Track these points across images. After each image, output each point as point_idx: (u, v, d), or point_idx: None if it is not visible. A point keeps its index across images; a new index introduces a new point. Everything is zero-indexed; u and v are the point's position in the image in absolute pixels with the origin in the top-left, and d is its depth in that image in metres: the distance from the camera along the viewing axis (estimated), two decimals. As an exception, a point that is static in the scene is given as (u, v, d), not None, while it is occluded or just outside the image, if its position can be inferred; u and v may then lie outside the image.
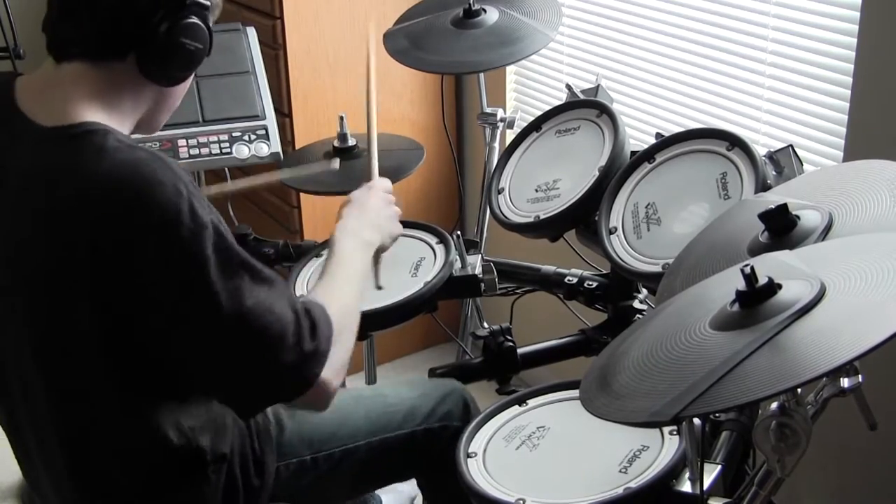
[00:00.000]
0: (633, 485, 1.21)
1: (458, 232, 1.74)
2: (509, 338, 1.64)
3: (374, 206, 1.55)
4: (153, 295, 1.14)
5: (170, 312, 1.15)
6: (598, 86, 1.88)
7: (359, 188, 1.59)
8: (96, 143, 1.14)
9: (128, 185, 1.12)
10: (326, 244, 1.81)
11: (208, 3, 1.25)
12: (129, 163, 1.13)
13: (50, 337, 1.22)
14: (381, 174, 1.65)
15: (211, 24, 1.27)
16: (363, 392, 1.64)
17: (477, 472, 1.31)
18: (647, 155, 1.64)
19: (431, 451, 1.57)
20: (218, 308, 1.15)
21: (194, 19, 1.23)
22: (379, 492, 1.99)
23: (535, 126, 1.87)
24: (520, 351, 1.64)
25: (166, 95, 1.29)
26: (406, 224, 1.80)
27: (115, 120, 1.21)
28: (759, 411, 1.05)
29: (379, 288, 1.57)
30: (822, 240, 1.16)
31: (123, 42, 1.20)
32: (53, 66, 1.23)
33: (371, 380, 2.19)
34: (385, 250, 1.56)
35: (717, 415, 1.34)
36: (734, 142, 1.54)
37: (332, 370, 1.24)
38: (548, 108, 1.89)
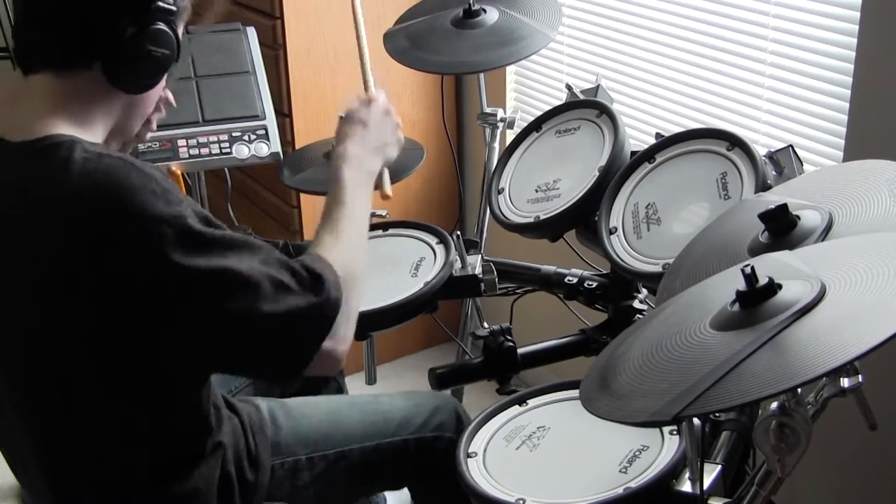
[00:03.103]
0: (633, 485, 1.21)
1: (458, 232, 1.74)
2: (509, 338, 1.64)
3: (375, 123, 1.51)
4: (142, 296, 1.13)
5: (165, 309, 1.14)
6: (598, 86, 1.88)
7: (354, 102, 1.55)
8: (63, 155, 1.13)
9: (102, 194, 1.11)
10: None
11: (174, 7, 1.22)
12: (99, 171, 1.12)
13: (26, 348, 1.21)
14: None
15: (179, 29, 1.25)
16: (359, 398, 1.66)
17: (477, 471, 1.31)
18: (647, 155, 1.64)
19: (424, 461, 1.58)
20: (216, 292, 1.14)
21: (160, 25, 1.21)
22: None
23: (535, 126, 1.87)
24: (520, 351, 1.64)
25: (137, 102, 1.27)
26: (406, 224, 1.81)
27: (85, 130, 1.20)
28: (760, 411, 1.05)
29: (386, 197, 1.55)
30: (823, 240, 1.16)
31: (88, 50, 1.18)
32: (21, 79, 1.22)
33: (371, 380, 2.18)
34: (391, 160, 1.53)
35: (717, 415, 1.34)
36: (734, 142, 1.54)
37: (341, 328, 1.24)
38: (548, 108, 1.89)
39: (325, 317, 1.22)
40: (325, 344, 1.23)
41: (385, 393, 1.68)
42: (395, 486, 1.71)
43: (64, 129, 1.18)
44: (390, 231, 1.82)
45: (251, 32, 2.14)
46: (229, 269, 1.15)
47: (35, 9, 1.19)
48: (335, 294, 1.23)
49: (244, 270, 1.16)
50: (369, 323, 1.56)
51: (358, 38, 1.64)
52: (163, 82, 1.29)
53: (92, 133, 1.22)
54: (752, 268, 0.99)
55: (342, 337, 1.25)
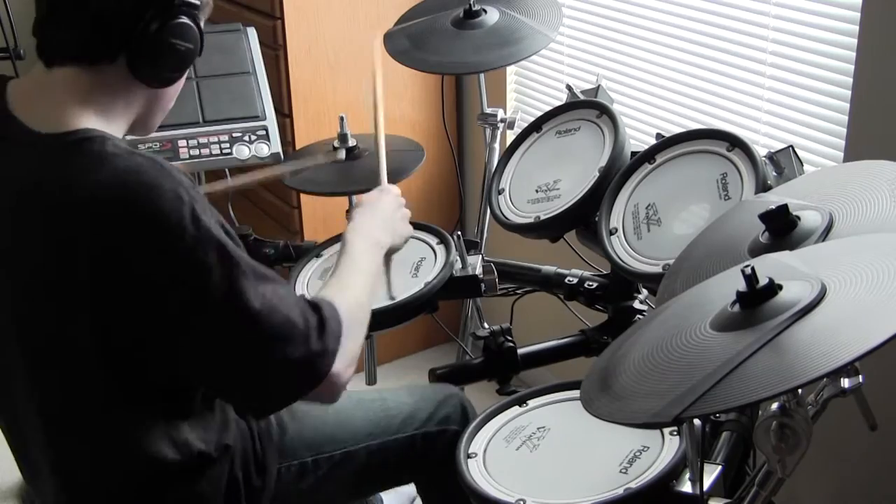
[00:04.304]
0: (633, 485, 1.21)
1: (459, 232, 1.74)
2: (509, 338, 1.63)
3: (386, 208, 1.57)
4: (157, 302, 1.14)
5: (175, 319, 1.15)
6: (599, 86, 1.88)
7: (370, 192, 1.62)
8: (95, 150, 1.14)
9: (129, 193, 1.11)
10: (326, 244, 1.82)
11: (198, 2, 1.23)
12: (130, 170, 1.13)
13: (43, 347, 1.21)
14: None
15: (202, 24, 1.26)
16: (364, 396, 1.65)
17: (477, 472, 1.31)
18: (648, 155, 1.64)
19: (430, 455, 1.58)
20: (223, 312, 1.15)
21: (184, 19, 1.22)
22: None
23: (536, 127, 1.87)
24: (520, 351, 1.64)
25: (159, 96, 1.28)
26: (406, 224, 1.81)
27: (109, 124, 1.21)
28: (760, 412, 1.05)
29: (392, 298, 1.57)
30: (823, 240, 1.16)
31: (113, 44, 1.19)
32: (44, 71, 1.22)
33: (371, 380, 2.18)
34: (396, 251, 1.58)
35: (717, 415, 1.34)
36: (734, 142, 1.54)
37: (342, 364, 1.24)
38: (548, 108, 1.89)
39: (317, 367, 1.22)
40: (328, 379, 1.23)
41: (390, 388, 1.67)
42: (402, 482, 1.71)
43: (92, 122, 1.18)
44: (390, 231, 1.81)
45: (251, 32, 2.14)
46: (243, 292, 1.15)
47: (59, 2, 1.19)
48: (333, 346, 1.24)
49: (256, 296, 1.16)
50: (370, 323, 1.56)
51: (376, 126, 1.71)
52: (184, 78, 1.30)
53: (115, 126, 1.22)
54: (753, 268, 0.99)
55: (339, 374, 1.25)
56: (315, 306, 1.24)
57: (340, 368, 1.24)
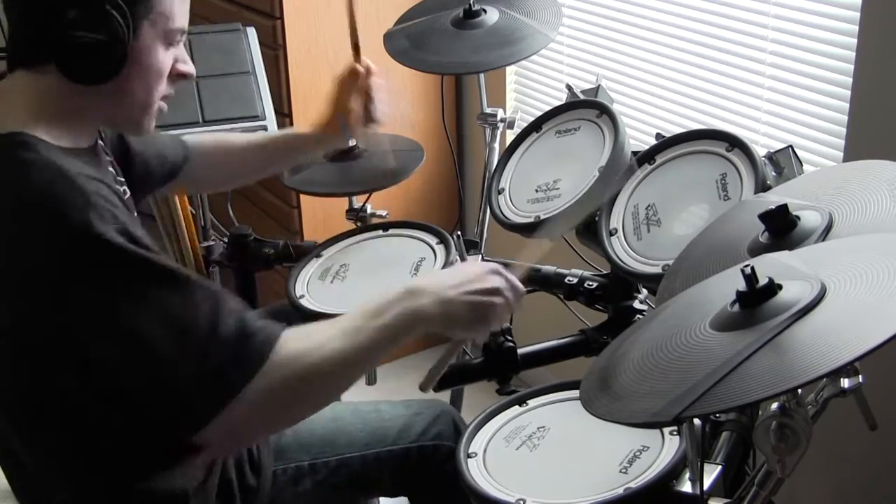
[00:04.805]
0: (633, 485, 1.21)
1: (459, 232, 1.74)
2: (509, 338, 1.63)
3: (471, 274, 1.29)
4: (62, 315, 1.10)
5: (81, 330, 1.11)
6: (599, 86, 1.88)
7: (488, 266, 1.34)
8: (9, 155, 1.12)
9: (34, 204, 1.09)
10: (326, 245, 1.81)
11: None
12: (38, 181, 1.10)
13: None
14: (381, 176, 1.64)
15: (137, 13, 1.15)
16: (360, 405, 1.65)
17: (477, 472, 1.31)
18: (648, 156, 1.64)
19: (425, 469, 1.58)
20: (129, 323, 1.09)
21: (97, 8, 1.13)
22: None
23: (536, 126, 1.87)
24: (520, 351, 1.64)
25: (119, 92, 1.19)
26: (406, 224, 1.81)
27: (53, 127, 1.17)
28: (760, 412, 1.05)
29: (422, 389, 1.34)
30: (823, 240, 1.16)
31: (37, 44, 1.16)
32: (9, 77, 1.21)
33: (371, 380, 2.19)
34: (469, 342, 1.34)
35: (717, 415, 1.34)
36: (734, 142, 1.54)
37: (257, 413, 1.13)
38: (548, 108, 1.89)
39: (217, 389, 1.11)
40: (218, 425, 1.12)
41: (387, 400, 1.68)
42: (395, 494, 1.72)
43: (32, 126, 1.15)
44: (390, 231, 1.82)
45: (251, 32, 2.14)
46: (156, 314, 1.10)
47: (6, 8, 1.19)
48: (242, 378, 1.11)
49: (163, 305, 1.10)
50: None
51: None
52: (157, 63, 1.21)
53: (76, 129, 1.20)
54: (752, 268, 0.99)
55: (245, 422, 1.13)
56: (243, 331, 1.12)
57: (246, 417, 1.12)
